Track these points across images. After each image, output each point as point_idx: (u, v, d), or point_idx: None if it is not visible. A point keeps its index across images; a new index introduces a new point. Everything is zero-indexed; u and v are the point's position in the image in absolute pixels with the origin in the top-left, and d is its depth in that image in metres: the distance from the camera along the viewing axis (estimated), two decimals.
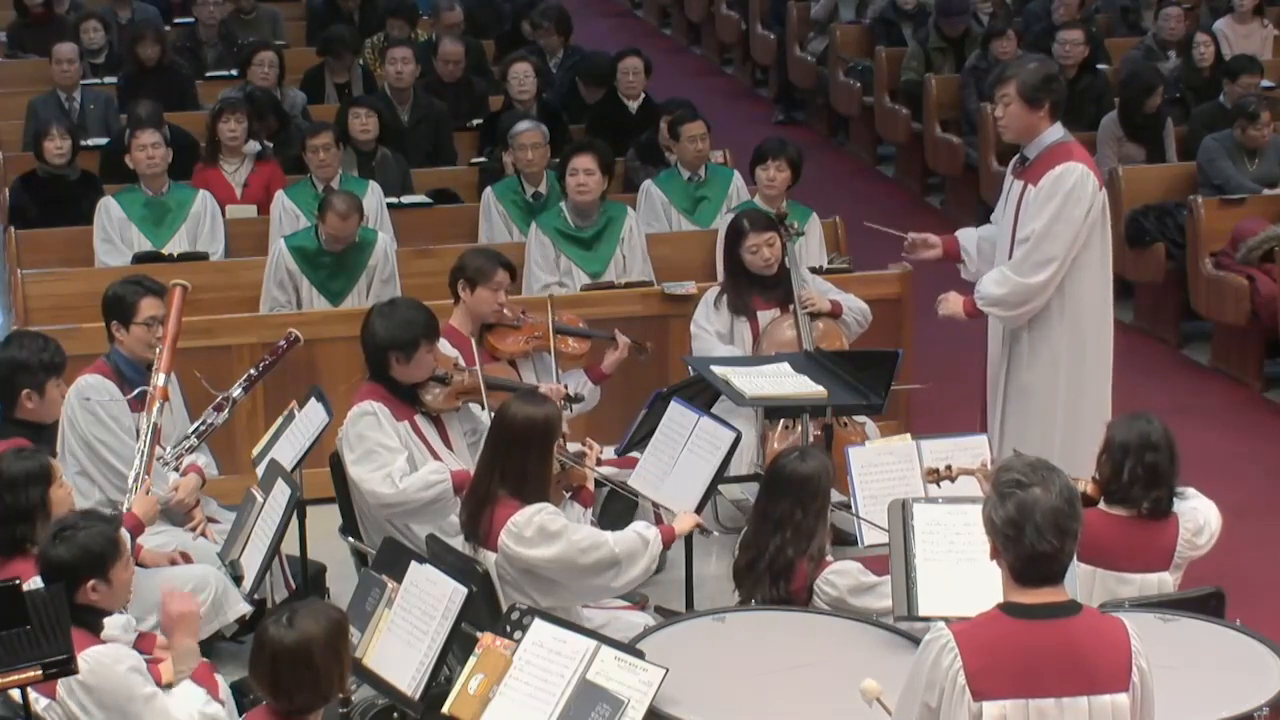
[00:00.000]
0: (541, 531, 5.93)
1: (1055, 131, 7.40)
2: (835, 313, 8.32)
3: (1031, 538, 4.24)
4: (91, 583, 5.32)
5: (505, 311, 7.58)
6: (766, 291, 8.28)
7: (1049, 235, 7.28)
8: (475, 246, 8.15)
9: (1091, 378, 7.52)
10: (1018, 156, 7.55)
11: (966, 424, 7.64)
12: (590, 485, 6.55)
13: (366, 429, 6.78)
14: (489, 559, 6.01)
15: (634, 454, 7.23)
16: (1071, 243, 7.32)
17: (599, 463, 6.73)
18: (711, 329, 8.27)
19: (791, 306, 8.22)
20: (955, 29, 13.42)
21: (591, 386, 7.76)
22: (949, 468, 6.28)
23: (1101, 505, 5.95)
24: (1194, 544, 6.00)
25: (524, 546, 5.92)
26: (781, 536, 5.97)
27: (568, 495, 6.45)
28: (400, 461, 6.75)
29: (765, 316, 8.27)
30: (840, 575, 5.98)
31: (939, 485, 6.25)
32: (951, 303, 7.65)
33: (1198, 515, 6.02)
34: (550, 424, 6.07)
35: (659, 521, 6.51)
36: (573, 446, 6.69)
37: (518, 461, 6.01)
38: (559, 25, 12.70)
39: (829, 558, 6.10)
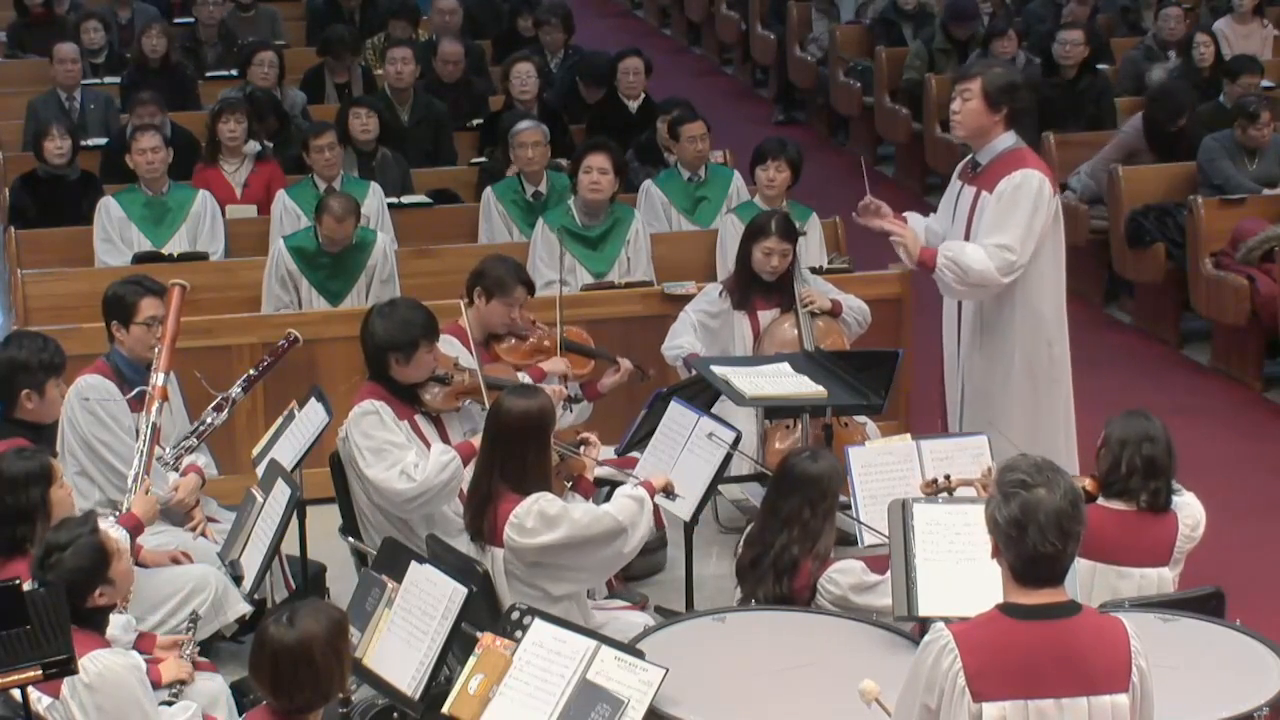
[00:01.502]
0: (542, 518, 5.94)
1: (1008, 139, 7.36)
2: (835, 312, 8.33)
3: (1034, 539, 4.24)
4: (98, 590, 5.32)
5: (516, 324, 7.57)
6: (769, 293, 8.28)
7: (1025, 247, 7.22)
8: (498, 255, 8.06)
9: (1048, 380, 7.44)
10: (968, 160, 7.49)
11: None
12: (589, 475, 6.55)
13: (371, 428, 6.78)
14: (496, 555, 6.02)
15: (634, 454, 7.23)
16: (1034, 250, 7.28)
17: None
18: (695, 317, 8.26)
19: (793, 307, 8.22)
20: (965, 32, 13.40)
21: (584, 402, 7.75)
22: (948, 478, 6.27)
23: (1101, 500, 5.96)
24: (1191, 537, 6.03)
25: (528, 536, 5.93)
26: (788, 534, 5.99)
27: (568, 485, 6.45)
28: (410, 455, 6.75)
29: (766, 316, 8.28)
30: (843, 574, 6.00)
31: (938, 498, 6.24)
32: (910, 244, 7.41)
33: (1194, 510, 6.04)
34: (545, 414, 6.08)
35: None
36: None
37: (516, 455, 6.02)
38: (565, 22, 12.70)
39: (832, 557, 6.11)
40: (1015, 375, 7.42)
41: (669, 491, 6.41)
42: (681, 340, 8.18)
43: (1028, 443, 6.85)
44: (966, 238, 7.39)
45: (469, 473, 6.56)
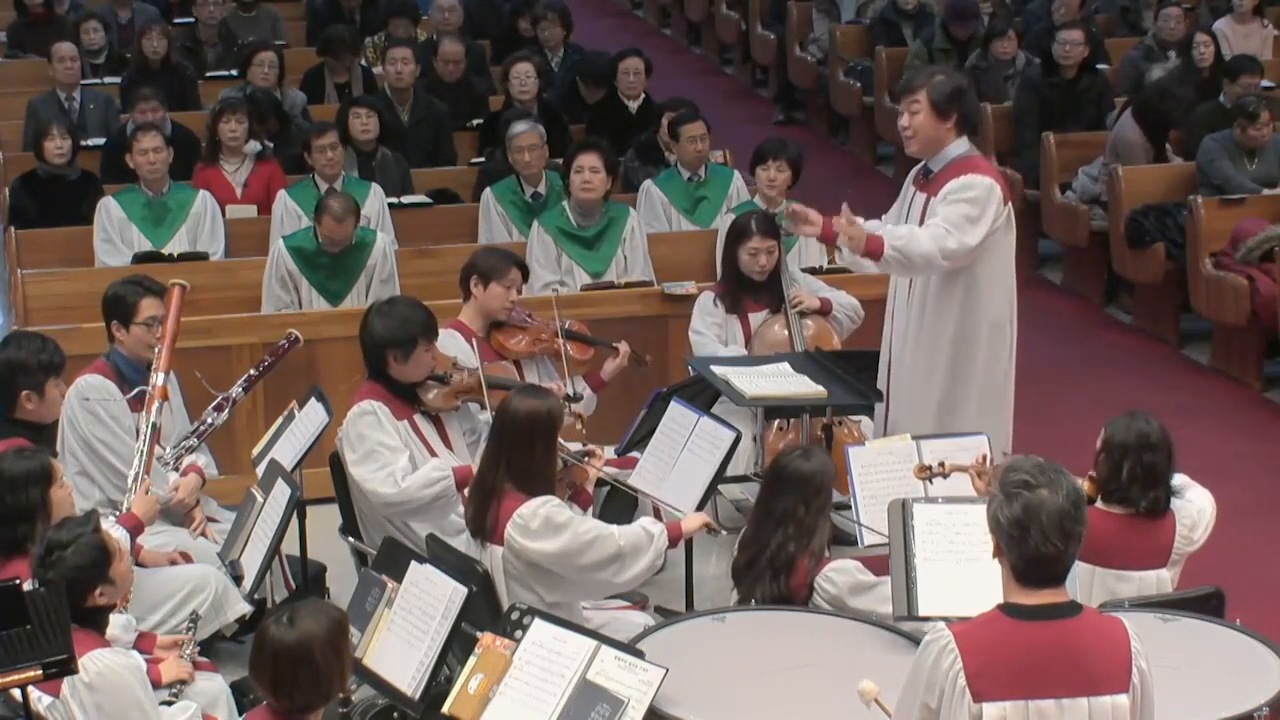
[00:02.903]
0: (547, 524, 5.94)
1: (960, 145, 7.28)
2: (825, 310, 8.31)
3: (1036, 539, 4.25)
4: (98, 590, 5.32)
5: (514, 311, 7.59)
6: (758, 294, 8.27)
7: (969, 238, 7.09)
8: (488, 245, 8.14)
9: (993, 387, 7.32)
10: (920, 167, 7.41)
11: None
12: (590, 488, 6.55)
13: (367, 428, 6.79)
14: (495, 553, 6.01)
15: (634, 454, 7.23)
16: (981, 249, 7.15)
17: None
18: (710, 332, 8.25)
19: (783, 307, 8.21)
20: (965, 31, 13.38)
21: (588, 394, 7.76)
22: (942, 464, 6.28)
23: (1099, 504, 5.96)
24: (1190, 539, 6.02)
25: (529, 539, 5.93)
26: (783, 532, 5.98)
27: (568, 494, 6.45)
28: (402, 461, 6.75)
29: (756, 318, 8.27)
30: (839, 573, 6.00)
31: (931, 482, 6.24)
32: (855, 236, 7.13)
33: (1192, 510, 6.04)
34: (553, 416, 6.08)
35: (660, 520, 6.50)
36: (574, 447, 6.69)
37: (522, 454, 6.02)
38: (563, 18, 12.71)
39: (828, 555, 6.11)
40: (960, 381, 7.33)
41: (711, 530, 6.37)
42: (722, 355, 8.10)
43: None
44: None
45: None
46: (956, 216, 7.13)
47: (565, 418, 7.33)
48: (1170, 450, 5.95)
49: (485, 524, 6.06)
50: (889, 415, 7.45)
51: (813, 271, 8.85)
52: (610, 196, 9.42)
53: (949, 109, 7.21)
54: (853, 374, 7.35)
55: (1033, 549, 4.25)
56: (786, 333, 8.15)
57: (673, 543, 6.21)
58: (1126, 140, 11.23)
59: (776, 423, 8.00)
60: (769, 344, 8.12)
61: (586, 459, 6.53)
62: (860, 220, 7.46)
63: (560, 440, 6.25)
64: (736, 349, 8.19)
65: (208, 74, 12.63)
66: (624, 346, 7.83)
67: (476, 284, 7.54)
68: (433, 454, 6.91)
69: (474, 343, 7.44)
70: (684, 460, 6.67)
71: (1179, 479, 6.08)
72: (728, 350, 8.15)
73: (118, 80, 12.27)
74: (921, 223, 7.26)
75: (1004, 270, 7.36)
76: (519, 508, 5.95)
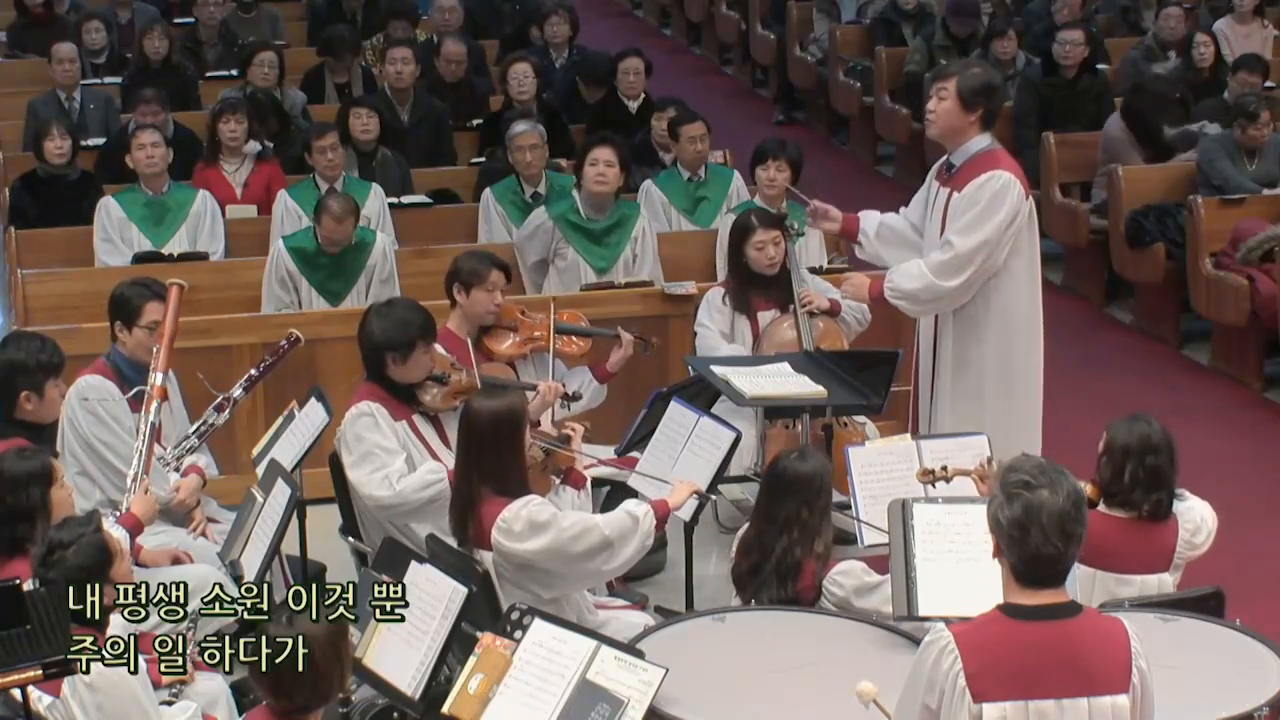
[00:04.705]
0: (530, 524, 5.93)
1: (982, 140, 7.31)
2: (834, 311, 8.30)
3: (1037, 540, 4.25)
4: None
5: (501, 313, 7.58)
6: (766, 291, 8.26)
7: (965, 241, 7.18)
8: (468, 249, 8.14)
9: (1022, 382, 7.41)
10: (943, 162, 7.44)
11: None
12: (579, 466, 6.52)
13: (364, 430, 6.78)
14: (486, 559, 6.01)
15: (634, 454, 7.23)
16: (988, 249, 7.20)
17: (593, 450, 6.70)
18: (715, 327, 8.24)
19: (791, 307, 8.21)
20: (965, 29, 13.38)
21: (596, 385, 7.75)
22: (944, 468, 6.27)
23: (1101, 507, 5.95)
24: (1192, 544, 6.01)
25: (515, 541, 5.92)
26: (788, 537, 5.96)
27: (558, 481, 6.43)
28: (398, 463, 6.74)
29: (765, 317, 8.26)
30: (845, 575, 5.99)
31: (934, 486, 6.24)
32: (857, 284, 7.60)
33: (1194, 515, 6.03)
34: (515, 414, 6.05)
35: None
36: (553, 432, 6.68)
37: (492, 458, 6.00)
38: (571, 17, 12.72)
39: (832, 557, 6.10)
40: (987, 377, 7.37)
41: (701, 496, 6.35)
42: (722, 352, 8.08)
43: (997, 444, 6.76)
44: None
45: None
46: (960, 225, 7.16)
47: (561, 412, 7.35)
48: (1173, 453, 5.94)
49: (469, 533, 6.05)
50: (934, 419, 7.47)
51: (814, 271, 8.85)
52: (620, 195, 9.41)
53: (976, 101, 7.25)
54: (853, 374, 7.34)
55: (1033, 549, 4.25)
56: (795, 333, 8.12)
57: (662, 520, 6.19)
58: (1113, 138, 11.25)
59: (781, 420, 7.99)
60: (777, 343, 8.09)
61: (567, 442, 6.48)
62: (871, 215, 7.51)
63: (543, 428, 6.23)
64: (743, 348, 8.18)
65: (208, 74, 12.63)
66: (626, 336, 7.82)
67: (459, 291, 7.53)
68: (432, 454, 6.90)
69: (465, 350, 7.41)
70: (684, 460, 6.67)
71: (1182, 492, 6.06)
72: (731, 347, 8.14)
73: (118, 80, 12.28)
74: (944, 217, 7.28)
75: (1029, 266, 7.38)
76: (501, 512, 5.94)
